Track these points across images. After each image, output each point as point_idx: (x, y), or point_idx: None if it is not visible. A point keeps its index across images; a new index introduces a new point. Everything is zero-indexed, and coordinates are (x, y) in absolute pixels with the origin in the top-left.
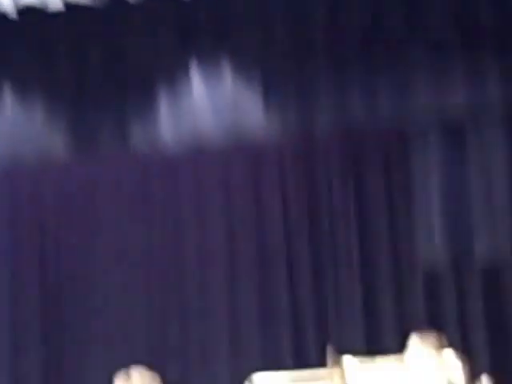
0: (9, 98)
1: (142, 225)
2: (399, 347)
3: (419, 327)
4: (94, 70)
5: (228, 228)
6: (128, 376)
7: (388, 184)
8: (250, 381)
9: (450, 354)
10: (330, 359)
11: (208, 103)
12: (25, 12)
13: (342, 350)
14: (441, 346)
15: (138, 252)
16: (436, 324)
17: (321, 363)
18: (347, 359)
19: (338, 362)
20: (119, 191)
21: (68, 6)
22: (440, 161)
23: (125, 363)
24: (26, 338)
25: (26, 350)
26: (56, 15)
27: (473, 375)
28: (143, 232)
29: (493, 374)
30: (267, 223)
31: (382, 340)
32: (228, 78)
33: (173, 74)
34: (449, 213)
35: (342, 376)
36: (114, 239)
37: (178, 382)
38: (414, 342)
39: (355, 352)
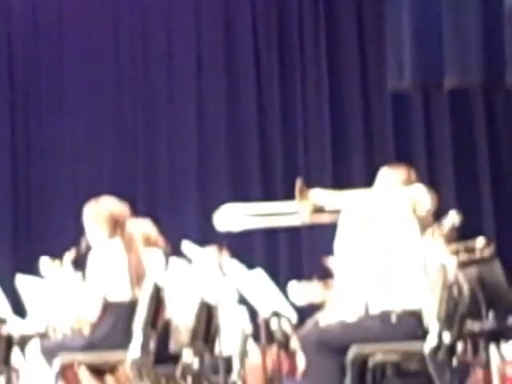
0: None
1: None
2: (368, 182)
3: (388, 161)
4: None
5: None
6: (97, 203)
7: (359, 10)
8: (218, 213)
9: (418, 188)
10: (297, 192)
11: None
12: None
13: (310, 185)
14: (409, 180)
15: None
16: (405, 158)
17: (288, 197)
18: (315, 192)
19: (305, 196)
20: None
21: None
22: None
23: (94, 195)
24: None
25: None
26: None
27: (440, 210)
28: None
29: (459, 211)
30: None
31: (350, 175)
32: None
33: None
34: (419, 34)
35: (310, 209)
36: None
37: (146, 213)
38: (383, 175)
39: (323, 186)
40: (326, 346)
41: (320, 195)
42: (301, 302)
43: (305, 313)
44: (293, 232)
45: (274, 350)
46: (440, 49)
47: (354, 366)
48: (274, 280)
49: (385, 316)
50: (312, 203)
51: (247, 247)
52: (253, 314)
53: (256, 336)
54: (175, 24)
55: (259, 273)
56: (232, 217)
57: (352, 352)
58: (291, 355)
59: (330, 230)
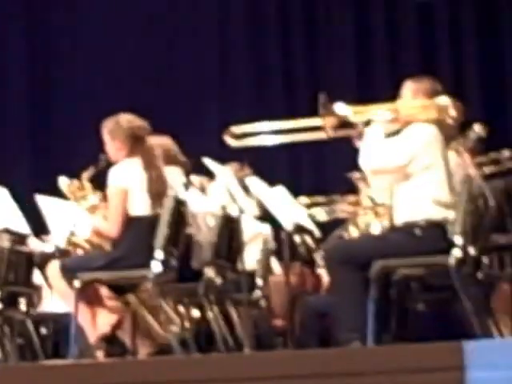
0: None
1: None
2: (392, 95)
3: (413, 73)
4: None
5: None
6: (116, 119)
7: None
8: (238, 134)
9: (443, 99)
10: (321, 107)
11: None
12: None
13: (333, 99)
14: (435, 92)
15: None
16: (430, 70)
17: (312, 112)
18: (339, 106)
19: (329, 110)
20: None
21: None
22: None
23: (112, 113)
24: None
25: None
26: None
27: (466, 122)
28: None
29: (485, 123)
30: None
31: (374, 88)
32: None
33: None
34: None
35: (334, 123)
36: None
37: (167, 131)
38: (408, 87)
39: (347, 101)
40: (349, 260)
41: (344, 109)
42: (324, 217)
43: (328, 228)
44: (316, 148)
45: (297, 266)
46: None
47: (378, 280)
48: (295, 196)
49: (409, 228)
50: (336, 117)
51: (270, 164)
52: (276, 230)
53: (279, 253)
54: None
55: (281, 189)
56: (254, 133)
57: (376, 266)
58: (314, 271)
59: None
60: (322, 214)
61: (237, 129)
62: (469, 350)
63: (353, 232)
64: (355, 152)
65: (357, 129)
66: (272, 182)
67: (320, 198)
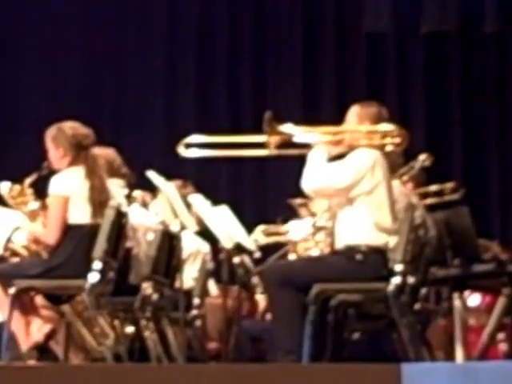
0: None
1: None
2: (338, 118)
3: (359, 98)
4: None
5: None
6: (61, 126)
7: None
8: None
9: (388, 126)
10: (266, 125)
11: None
12: None
13: (279, 119)
14: (380, 118)
15: None
16: (377, 96)
17: (257, 130)
18: (284, 126)
19: (274, 128)
20: None
21: None
22: None
23: (57, 120)
24: None
25: None
26: None
27: (410, 151)
28: None
29: (430, 153)
30: None
31: (321, 111)
32: None
33: None
34: None
35: (278, 142)
36: None
37: (112, 142)
38: (353, 112)
39: (293, 121)
40: (288, 282)
41: (288, 128)
42: (264, 240)
43: (268, 251)
44: (259, 168)
45: (234, 289)
46: None
47: (315, 304)
48: (238, 217)
49: (350, 252)
50: (280, 136)
51: (213, 182)
52: (215, 250)
53: (217, 273)
54: None
55: (224, 208)
56: (198, 147)
57: (314, 290)
58: (252, 295)
59: (297, 165)
60: (263, 237)
61: (185, 139)
62: (406, 372)
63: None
64: (297, 177)
65: (300, 150)
66: (215, 201)
67: (272, 228)
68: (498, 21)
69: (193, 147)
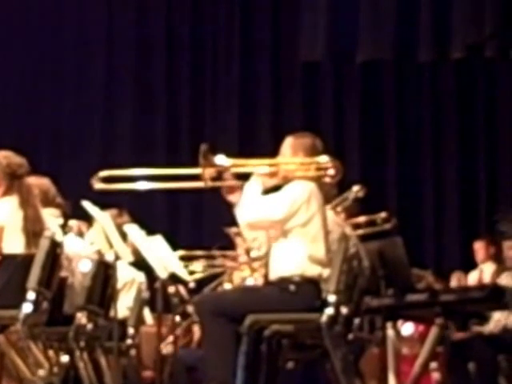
0: None
1: None
2: (274, 149)
3: (296, 126)
4: None
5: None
6: None
7: None
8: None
9: (323, 158)
10: (201, 157)
11: None
12: None
13: (215, 151)
14: (315, 150)
15: None
16: (312, 124)
17: (193, 162)
18: (219, 158)
19: (209, 160)
20: None
21: None
22: None
23: None
24: None
25: None
26: None
27: (345, 182)
28: None
29: (363, 184)
30: None
31: (256, 142)
32: None
33: None
34: (335, 5)
35: (213, 174)
36: None
37: (47, 172)
38: (288, 144)
39: (229, 154)
40: (221, 313)
41: (223, 161)
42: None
43: (204, 282)
44: (196, 197)
45: (169, 318)
46: (355, 22)
47: (249, 335)
48: (173, 247)
49: (283, 283)
50: (215, 168)
51: (149, 212)
52: (150, 280)
53: (152, 302)
54: None
55: (159, 239)
56: (135, 179)
57: (247, 320)
58: (188, 324)
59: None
60: (199, 268)
61: (105, 173)
62: None
63: (227, 287)
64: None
65: (235, 182)
66: (151, 231)
67: (198, 252)
68: (432, 50)
69: (107, 181)
